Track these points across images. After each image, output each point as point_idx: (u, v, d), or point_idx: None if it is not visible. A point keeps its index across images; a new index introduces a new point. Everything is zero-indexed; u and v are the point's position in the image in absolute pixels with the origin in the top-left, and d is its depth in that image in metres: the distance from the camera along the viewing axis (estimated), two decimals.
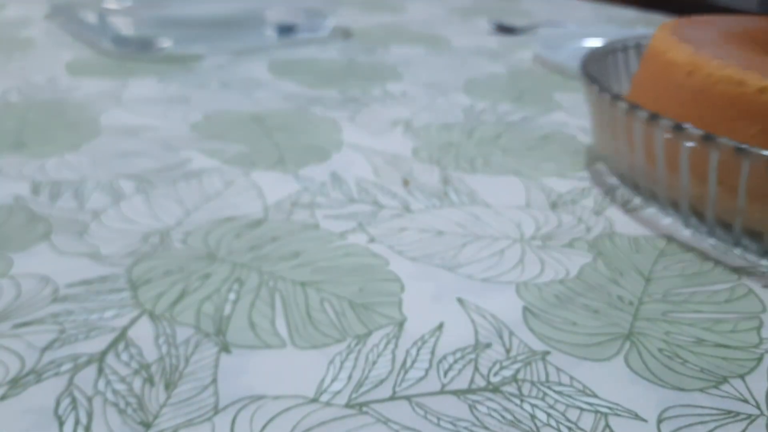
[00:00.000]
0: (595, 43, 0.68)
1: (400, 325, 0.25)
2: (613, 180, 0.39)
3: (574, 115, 0.50)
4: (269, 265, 0.29)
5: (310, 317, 0.26)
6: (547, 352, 0.24)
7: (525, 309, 0.27)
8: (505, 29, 0.75)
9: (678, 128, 0.32)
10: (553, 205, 0.36)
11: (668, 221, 0.35)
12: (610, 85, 0.45)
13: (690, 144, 0.31)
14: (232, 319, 0.25)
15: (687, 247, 0.32)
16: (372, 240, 0.31)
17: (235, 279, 0.28)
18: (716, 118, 0.34)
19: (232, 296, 0.27)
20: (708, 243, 0.33)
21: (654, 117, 0.33)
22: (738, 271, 0.30)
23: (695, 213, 0.34)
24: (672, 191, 0.35)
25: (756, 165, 0.29)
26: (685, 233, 0.34)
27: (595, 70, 0.42)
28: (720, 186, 0.32)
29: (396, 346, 0.24)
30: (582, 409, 0.22)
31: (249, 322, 0.25)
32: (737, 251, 0.32)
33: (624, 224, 0.34)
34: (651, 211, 0.36)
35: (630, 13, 0.93)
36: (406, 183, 0.38)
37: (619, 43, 0.47)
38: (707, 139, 0.31)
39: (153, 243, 0.30)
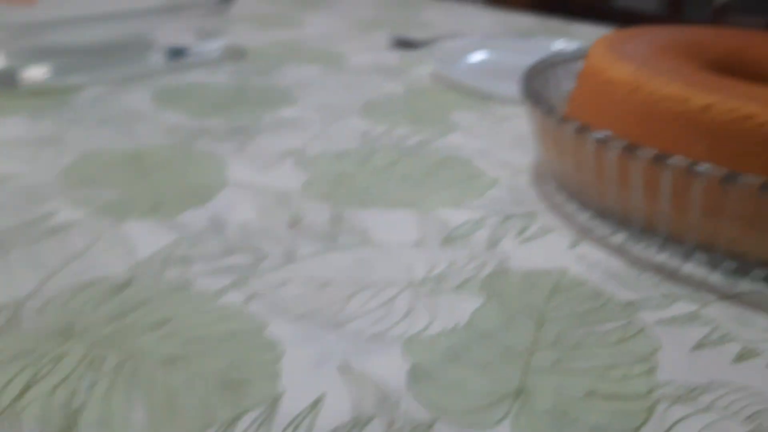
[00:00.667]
0: (495, 54, 0.68)
1: (274, 403, 0.23)
2: (508, 207, 0.38)
3: (470, 135, 0.49)
4: (132, 338, 0.26)
5: (174, 404, 0.23)
6: (433, 423, 0.23)
7: (412, 370, 0.25)
8: (404, 43, 0.74)
9: (629, 149, 0.31)
10: (447, 241, 0.34)
11: (564, 249, 0.34)
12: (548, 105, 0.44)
13: (642, 164, 0.31)
14: (83, 412, 0.23)
15: (580, 281, 0.31)
16: (250, 298, 0.29)
17: (91, 360, 0.25)
18: (661, 136, 0.34)
19: (85, 383, 0.24)
20: (601, 271, 0.32)
21: (605, 138, 0.32)
22: (631, 305, 0.30)
23: (647, 229, 0.34)
24: (624, 209, 0.34)
25: (708, 183, 0.29)
26: (578, 267, 0.33)
27: (531, 89, 0.41)
28: (672, 203, 0.32)
29: (268, 430, 0.22)
30: None
31: (103, 415, 0.23)
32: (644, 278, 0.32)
33: (518, 257, 0.33)
34: (547, 239, 0.35)
35: (528, 20, 0.93)
36: (293, 224, 0.36)
37: (547, 61, 0.46)
38: (659, 159, 0.30)
39: (1, 320, 0.27)
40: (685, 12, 2.73)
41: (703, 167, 0.29)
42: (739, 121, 0.31)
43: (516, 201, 0.39)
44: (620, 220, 0.35)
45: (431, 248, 0.34)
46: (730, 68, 0.41)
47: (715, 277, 0.32)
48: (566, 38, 0.82)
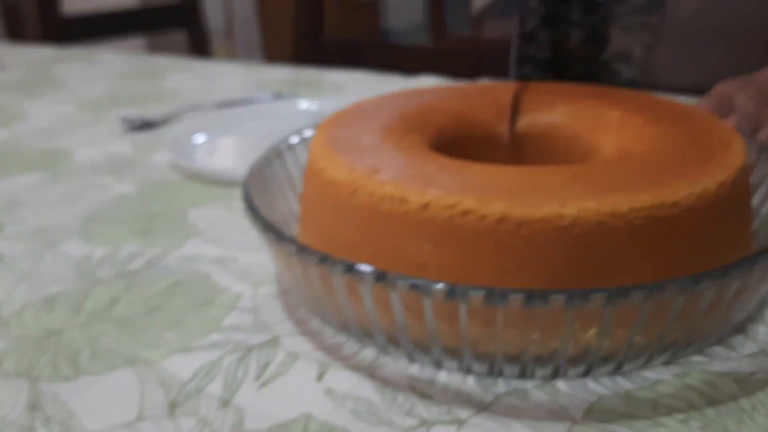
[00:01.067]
0: (239, 126, 0.63)
1: None
2: (249, 336, 0.33)
3: (209, 239, 0.44)
4: None
5: None
6: None
7: None
8: (141, 125, 0.67)
9: (350, 269, 0.28)
10: (173, 408, 0.29)
11: (310, 383, 0.30)
12: (277, 203, 0.40)
13: (367, 282, 0.28)
14: None
15: (328, 426, 0.27)
16: None
17: None
18: (387, 240, 0.30)
19: None
20: (351, 406, 0.28)
21: (325, 259, 0.28)
22: None
23: (392, 340, 0.30)
24: (363, 324, 0.31)
25: (435, 297, 0.26)
26: (325, 406, 0.29)
27: (251, 201, 0.36)
28: (405, 315, 0.29)
29: None
30: None
31: None
32: None
33: (256, 411, 0.28)
34: (291, 374, 0.31)
35: (281, 73, 0.90)
36: None
37: (273, 151, 0.41)
38: (381, 278, 0.27)
39: None
40: (447, 23, 2.90)
41: (425, 283, 0.26)
42: (458, 217, 0.29)
43: (258, 325, 0.34)
44: (364, 333, 0.31)
45: (154, 424, 0.28)
46: (456, 137, 0.40)
47: (470, 383, 0.30)
48: (318, 92, 0.79)
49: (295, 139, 0.43)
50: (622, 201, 0.28)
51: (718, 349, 0.31)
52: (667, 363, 0.31)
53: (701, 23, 0.63)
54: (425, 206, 0.29)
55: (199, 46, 1.73)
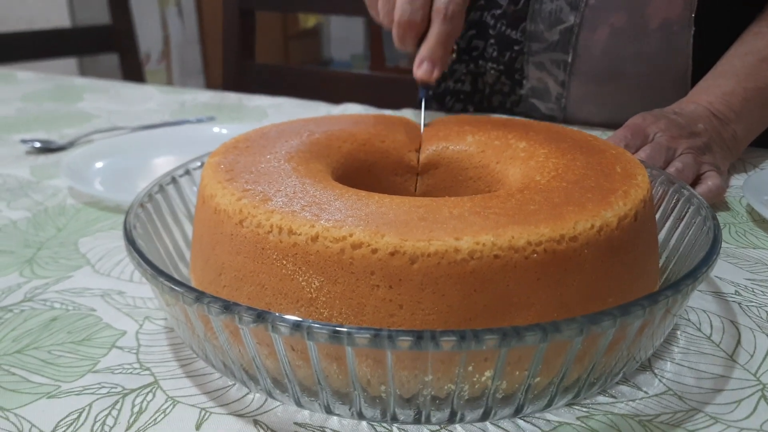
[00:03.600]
0: (144, 150, 0.60)
1: None
2: (127, 378, 0.30)
3: (98, 271, 0.40)
4: None
5: None
6: None
7: None
8: (42, 148, 0.63)
9: (228, 309, 0.25)
10: None
11: None
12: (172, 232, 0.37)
13: (246, 326, 0.25)
14: None
15: None
16: None
17: None
18: (276, 272, 0.28)
19: None
20: None
21: (200, 298, 0.26)
22: None
23: (278, 381, 0.28)
24: (247, 367, 0.28)
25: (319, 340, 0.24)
26: None
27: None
28: (293, 354, 0.27)
29: None
30: None
31: None
32: None
33: None
34: (167, 422, 0.28)
35: (205, 97, 0.87)
36: None
37: (168, 177, 0.39)
38: (261, 319, 0.24)
39: None
40: (386, 54, 2.91)
41: (307, 324, 0.24)
42: (348, 251, 0.27)
43: (138, 366, 0.31)
44: (249, 376, 0.29)
45: None
46: (363, 165, 0.38)
47: (363, 430, 0.27)
48: (238, 117, 0.77)
49: (194, 164, 0.40)
50: (519, 234, 0.27)
51: (624, 389, 0.30)
52: (570, 404, 0.29)
53: (611, 61, 0.64)
54: (314, 238, 0.27)
55: (132, 69, 1.68)
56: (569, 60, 0.66)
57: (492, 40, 0.71)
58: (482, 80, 0.74)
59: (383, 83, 1.14)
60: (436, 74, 0.52)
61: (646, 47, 0.63)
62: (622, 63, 0.64)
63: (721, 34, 0.60)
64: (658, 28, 0.62)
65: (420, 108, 0.49)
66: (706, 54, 0.60)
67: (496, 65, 0.71)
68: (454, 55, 0.73)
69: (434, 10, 0.53)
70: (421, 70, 0.52)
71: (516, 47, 0.69)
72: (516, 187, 0.32)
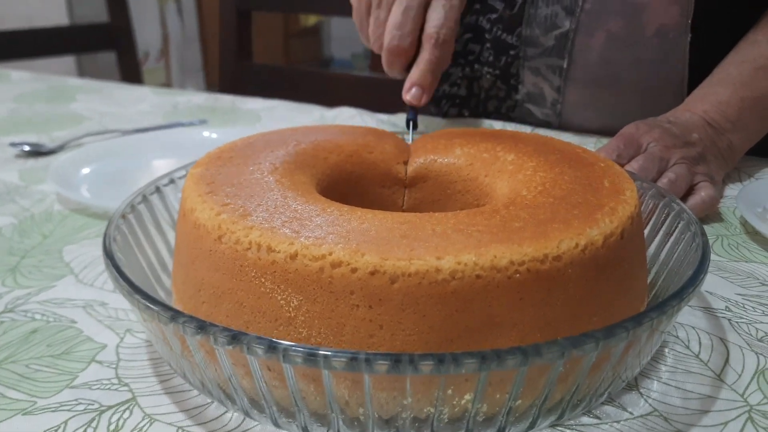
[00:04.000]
0: (134, 156, 0.59)
1: None
2: (104, 395, 0.30)
3: (81, 281, 0.40)
4: None
5: None
6: None
7: None
8: (31, 151, 0.62)
9: (203, 329, 0.25)
10: None
11: None
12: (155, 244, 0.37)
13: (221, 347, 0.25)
14: None
15: None
16: None
17: None
18: (254, 290, 0.27)
19: None
20: None
21: (176, 317, 0.25)
22: None
23: (255, 405, 0.28)
24: (224, 386, 0.28)
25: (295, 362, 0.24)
26: None
27: (108, 248, 0.32)
28: (270, 374, 0.26)
29: None
30: None
31: None
32: None
33: None
34: None
35: (199, 99, 0.87)
36: None
37: (152, 187, 0.38)
38: (236, 340, 0.24)
39: None
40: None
41: (282, 346, 0.23)
42: (328, 269, 0.26)
43: (117, 382, 0.31)
44: (226, 395, 0.28)
45: None
46: (350, 176, 0.38)
47: None
48: (231, 120, 0.76)
49: (179, 174, 0.40)
50: (502, 253, 0.26)
51: (609, 409, 0.30)
52: (553, 425, 0.29)
53: (607, 67, 0.63)
54: (293, 256, 0.27)
55: (130, 68, 1.67)
56: (565, 65, 0.65)
57: (488, 45, 0.70)
58: (478, 84, 0.74)
59: (381, 85, 1.13)
60: (424, 100, 0.52)
61: (643, 53, 0.62)
62: (618, 69, 0.64)
63: (718, 41, 0.59)
64: (654, 34, 0.62)
65: (408, 128, 0.49)
66: (702, 61, 0.60)
67: (492, 69, 0.71)
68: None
69: (425, 36, 0.54)
70: (410, 95, 0.53)
71: (512, 52, 0.68)
72: (502, 202, 0.31)
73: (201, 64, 3.18)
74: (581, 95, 0.66)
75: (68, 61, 2.36)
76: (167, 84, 2.88)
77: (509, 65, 0.69)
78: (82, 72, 2.38)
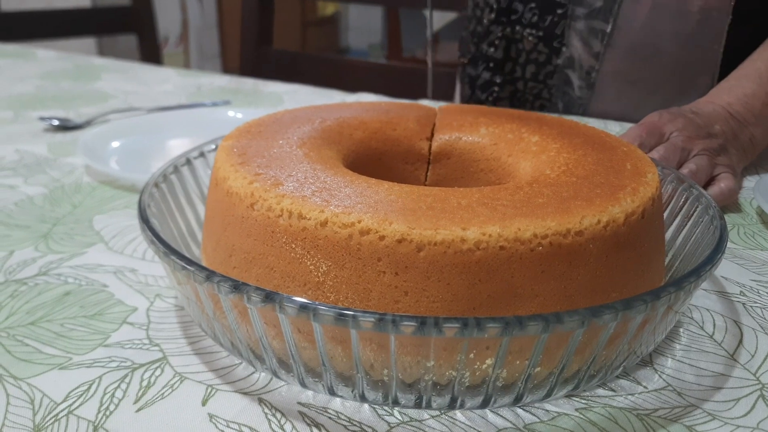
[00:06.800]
0: (158, 132, 0.60)
1: None
2: (136, 353, 0.31)
3: (111, 248, 0.41)
4: None
5: None
6: None
7: None
8: (60, 126, 0.64)
9: (237, 288, 0.26)
10: (37, 431, 0.26)
11: (193, 409, 0.28)
12: (185, 212, 0.38)
13: (255, 306, 0.26)
14: None
15: None
16: None
17: None
18: (284, 256, 0.28)
19: None
20: None
21: (211, 276, 0.26)
22: None
23: (284, 362, 0.29)
24: (254, 346, 0.29)
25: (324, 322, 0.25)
26: None
27: (145, 214, 0.33)
28: (299, 335, 0.27)
29: None
30: None
31: None
32: None
33: None
34: (174, 396, 0.28)
35: (222, 81, 0.88)
36: None
37: (183, 158, 0.39)
38: (270, 299, 0.25)
39: None
40: (403, 43, 2.90)
41: (313, 306, 0.25)
42: (356, 237, 0.27)
43: (148, 342, 0.32)
44: (255, 355, 0.29)
45: None
46: (374, 152, 0.39)
47: (365, 412, 0.28)
48: (254, 102, 0.77)
49: (209, 147, 0.41)
50: (526, 226, 0.27)
51: (624, 383, 0.30)
52: (569, 395, 0.29)
53: (648, 37, 0.64)
54: (323, 223, 0.28)
55: (150, 52, 1.69)
56: (608, 30, 0.66)
57: (533, 4, 0.70)
58: (516, 47, 0.73)
59: (399, 73, 1.14)
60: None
61: (684, 27, 0.63)
62: (658, 40, 0.64)
63: (757, 29, 0.60)
64: (698, 10, 0.62)
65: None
66: (737, 45, 0.60)
67: (535, 31, 0.71)
68: (491, 16, 0.72)
69: None
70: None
71: (559, 11, 0.68)
72: (525, 180, 0.32)
73: (219, 51, 3.19)
74: (618, 65, 0.67)
75: (89, 43, 2.37)
76: (186, 68, 2.89)
77: (554, 26, 0.69)
78: (103, 54, 2.40)
